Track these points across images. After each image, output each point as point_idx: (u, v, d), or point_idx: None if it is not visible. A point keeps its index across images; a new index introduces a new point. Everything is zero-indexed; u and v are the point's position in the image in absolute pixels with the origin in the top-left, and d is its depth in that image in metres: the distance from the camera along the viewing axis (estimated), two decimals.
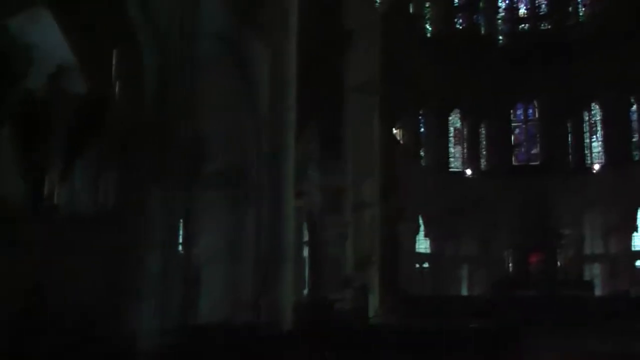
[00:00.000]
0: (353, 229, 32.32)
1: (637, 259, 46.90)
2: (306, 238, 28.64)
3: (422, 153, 51.45)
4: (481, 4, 56.07)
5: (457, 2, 55.86)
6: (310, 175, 27.59)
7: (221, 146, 19.09)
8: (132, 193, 14.57)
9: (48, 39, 14.13)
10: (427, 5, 53.97)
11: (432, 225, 49.34)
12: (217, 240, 19.68)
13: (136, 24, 14.44)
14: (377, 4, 39.21)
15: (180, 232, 16.60)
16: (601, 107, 51.75)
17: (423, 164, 51.05)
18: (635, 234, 47.26)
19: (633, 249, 47.26)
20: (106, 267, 13.91)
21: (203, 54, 15.79)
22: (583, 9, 54.50)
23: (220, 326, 17.02)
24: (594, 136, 52.18)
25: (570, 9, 54.72)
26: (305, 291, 28.30)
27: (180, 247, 16.79)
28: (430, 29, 54.07)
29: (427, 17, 53.98)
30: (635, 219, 47.01)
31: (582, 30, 52.66)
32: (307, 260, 28.86)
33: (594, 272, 48.15)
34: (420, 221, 48.94)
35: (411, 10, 51.52)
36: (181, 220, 16.40)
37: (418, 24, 52.37)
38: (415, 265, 48.15)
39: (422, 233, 49.33)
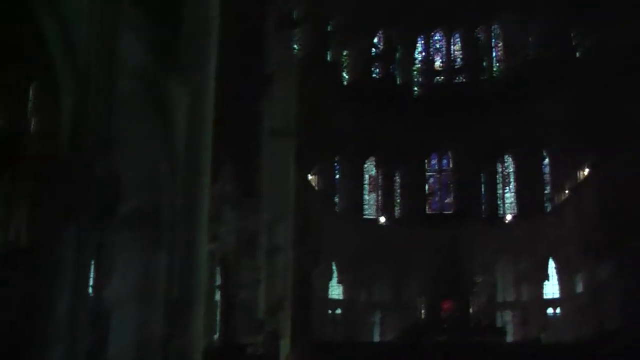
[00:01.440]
0: (266, 273, 32.17)
1: (548, 307, 47.81)
2: (219, 281, 28.36)
3: (336, 199, 51.64)
4: (398, 55, 56.92)
5: (375, 52, 56.63)
6: (225, 218, 27.41)
7: (136, 186, 18.88)
8: (44, 232, 14.26)
9: None
10: (344, 53, 54.58)
11: (345, 271, 49.43)
12: (128, 282, 19.37)
13: (55, 60, 14.25)
14: (295, 50, 39.49)
15: (92, 273, 16.27)
16: (514, 159, 53.01)
17: (337, 210, 51.21)
18: (546, 282, 48.23)
19: (544, 297, 48.17)
20: (15, 307, 13.55)
21: (121, 93, 15.66)
22: (497, 64, 55.92)
23: None
24: (507, 187, 53.32)
25: (484, 63, 56.06)
26: (217, 335, 27.99)
27: (90, 289, 16.46)
28: (347, 76, 54.63)
29: (344, 65, 54.58)
30: (546, 268, 48.06)
31: (496, 85, 54.10)
32: (219, 303, 28.54)
33: (506, 319, 48.96)
34: (334, 267, 48.97)
35: (329, 58, 52.02)
36: (92, 261, 16.09)
37: (335, 71, 52.87)
38: (327, 311, 48.08)
39: (335, 279, 49.33)
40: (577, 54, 47.01)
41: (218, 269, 28.05)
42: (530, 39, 53.35)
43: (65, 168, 14.35)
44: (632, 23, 35.10)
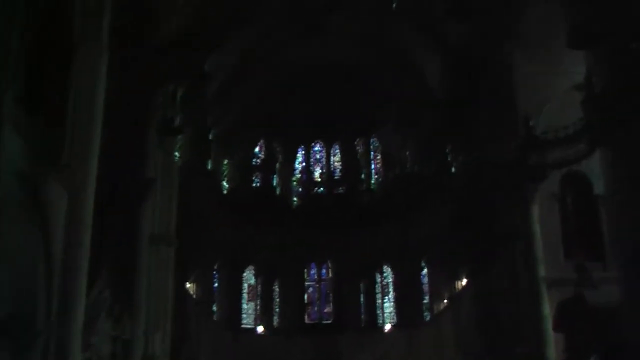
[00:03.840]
0: None
1: None
2: None
3: (214, 308, 50.99)
4: (278, 165, 57.54)
5: (255, 161, 57.11)
6: (100, 326, 26.63)
7: (9, 289, 18.21)
8: None
9: None
10: (225, 162, 54.88)
11: None
12: None
13: None
14: (176, 157, 39.45)
15: None
16: (393, 270, 53.70)
17: (215, 319, 50.55)
18: None
19: None
20: None
21: None
22: (375, 176, 57.16)
23: None
24: (386, 297, 53.82)
25: (362, 176, 57.25)
26: None
27: None
28: (227, 185, 54.80)
29: (224, 173, 54.80)
30: None
31: (373, 196, 55.24)
32: None
33: None
34: None
35: (209, 166, 52.11)
36: None
37: (215, 179, 52.96)
38: None
39: None
40: (453, 169, 48.42)
41: None
42: (407, 152, 54.87)
43: None
44: (503, 141, 36.54)
